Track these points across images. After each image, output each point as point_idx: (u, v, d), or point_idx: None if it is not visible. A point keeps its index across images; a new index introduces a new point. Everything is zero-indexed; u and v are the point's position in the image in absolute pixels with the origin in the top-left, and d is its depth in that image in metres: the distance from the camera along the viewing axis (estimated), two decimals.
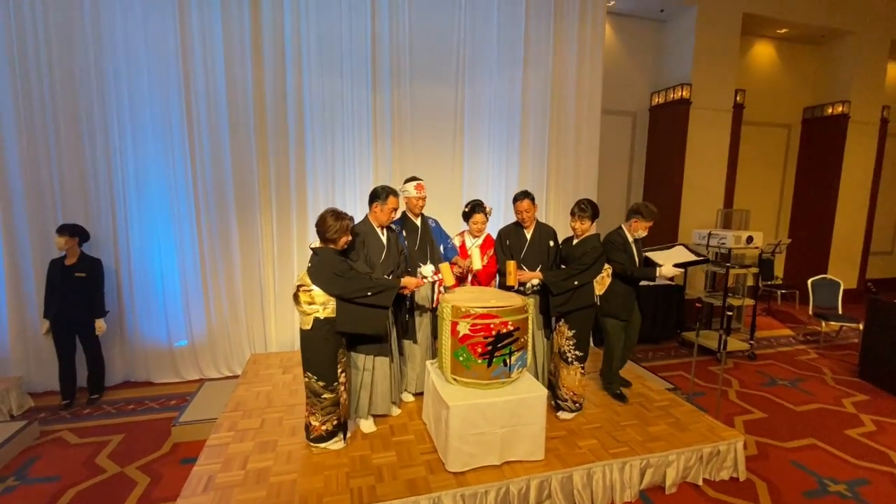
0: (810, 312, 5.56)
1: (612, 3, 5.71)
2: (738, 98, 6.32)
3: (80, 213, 3.92)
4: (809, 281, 5.64)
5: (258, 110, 4.19)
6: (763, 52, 7.11)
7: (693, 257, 3.45)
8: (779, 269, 7.47)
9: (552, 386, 3.23)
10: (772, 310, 7.03)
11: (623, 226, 3.45)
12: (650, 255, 3.50)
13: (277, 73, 4.19)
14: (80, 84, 3.83)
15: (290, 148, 4.31)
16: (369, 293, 2.56)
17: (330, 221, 2.54)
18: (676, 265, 3.35)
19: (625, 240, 3.37)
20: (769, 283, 7.00)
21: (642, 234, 3.39)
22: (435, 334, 3.25)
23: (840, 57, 7.04)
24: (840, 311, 5.53)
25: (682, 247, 3.60)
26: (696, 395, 4.02)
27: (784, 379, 4.51)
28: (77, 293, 3.67)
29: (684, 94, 5.96)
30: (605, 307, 3.36)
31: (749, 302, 5.23)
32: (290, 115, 4.27)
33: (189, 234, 4.16)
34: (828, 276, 5.79)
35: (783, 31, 6.80)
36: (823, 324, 5.46)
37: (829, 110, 7.10)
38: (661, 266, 3.32)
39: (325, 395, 2.61)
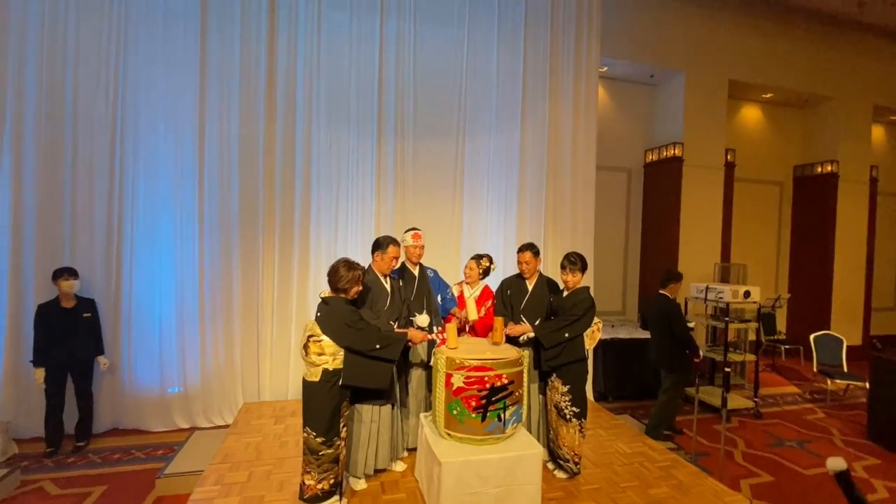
0: (815, 369, 5.46)
1: (605, 69, 6.10)
2: (728, 156, 6.57)
3: (87, 259, 4.01)
4: (812, 337, 5.59)
5: (267, 161, 4.38)
6: (751, 113, 7.47)
7: None
8: (781, 324, 7.41)
9: (550, 445, 3.13)
10: (776, 366, 6.90)
11: (663, 292, 4.18)
12: None
13: (288, 127, 4.43)
14: (99, 128, 4.03)
15: (296, 198, 4.46)
16: (378, 346, 2.56)
17: (342, 272, 2.58)
18: None
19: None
20: (772, 337, 6.92)
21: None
22: (430, 386, 3.22)
23: (825, 119, 7.38)
24: (845, 369, 5.43)
25: None
26: (700, 456, 3.88)
27: (791, 439, 4.36)
28: (81, 335, 3.71)
29: (676, 152, 6.21)
30: (671, 364, 4.03)
31: (751, 357, 5.16)
32: (297, 166, 4.46)
33: (191, 279, 4.22)
34: (830, 332, 5.74)
35: (768, 95, 7.19)
36: (829, 381, 5.35)
37: (819, 169, 7.34)
38: None
39: (322, 452, 2.52)
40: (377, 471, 2.94)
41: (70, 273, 3.69)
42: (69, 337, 3.65)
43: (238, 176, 4.32)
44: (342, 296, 2.60)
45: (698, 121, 6.30)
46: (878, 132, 8.09)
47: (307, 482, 2.56)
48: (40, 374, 3.63)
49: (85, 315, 3.72)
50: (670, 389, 4.07)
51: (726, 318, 4.95)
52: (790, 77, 6.81)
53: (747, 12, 6.48)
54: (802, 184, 7.60)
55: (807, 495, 3.39)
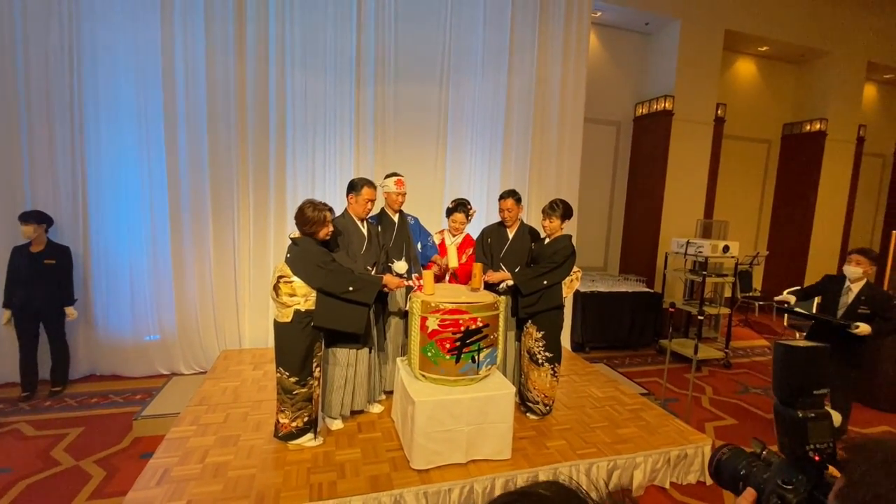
0: (785, 324, 5.63)
1: (598, 14, 5.81)
2: (719, 112, 6.45)
3: (50, 201, 3.82)
4: (785, 292, 5.71)
5: (239, 105, 4.15)
6: (745, 68, 7.28)
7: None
8: (757, 282, 7.57)
9: (520, 389, 3.19)
10: (749, 321, 7.12)
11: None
12: None
13: (260, 70, 4.16)
14: (55, 68, 3.75)
15: (271, 144, 4.27)
16: (351, 288, 2.52)
17: (308, 213, 2.50)
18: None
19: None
20: (747, 294, 7.09)
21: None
22: (407, 333, 3.23)
23: (818, 76, 7.24)
24: None
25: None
26: (670, 401, 4.02)
27: (757, 387, 4.55)
28: (45, 281, 3.59)
29: (667, 105, 6.06)
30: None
31: (725, 311, 5.29)
32: (271, 111, 4.24)
33: (162, 226, 4.08)
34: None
35: (764, 48, 6.98)
36: (797, 335, 5.53)
37: (808, 127, 7.28)
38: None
39: (296, 392, 2.55)
40: (354, 412, 2.98)
41: (24, 218, 3.51)
42: (33, 282, 3.54)
43: (206, 121, 4.08)
44: (311, 237, 2.54)
45: (691, 73, 6.12)
46: (869, 91, 7.99)
47: (281, 420, 2.59)
48: (6, 315, 3.56)
49: (46, 262, 3.59)
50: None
51: (704, 273, 5.02)
52: (788, 29, 6.59)
53: None
54: (790, 142, 7.55)
55: (766, 435, 3.56)
